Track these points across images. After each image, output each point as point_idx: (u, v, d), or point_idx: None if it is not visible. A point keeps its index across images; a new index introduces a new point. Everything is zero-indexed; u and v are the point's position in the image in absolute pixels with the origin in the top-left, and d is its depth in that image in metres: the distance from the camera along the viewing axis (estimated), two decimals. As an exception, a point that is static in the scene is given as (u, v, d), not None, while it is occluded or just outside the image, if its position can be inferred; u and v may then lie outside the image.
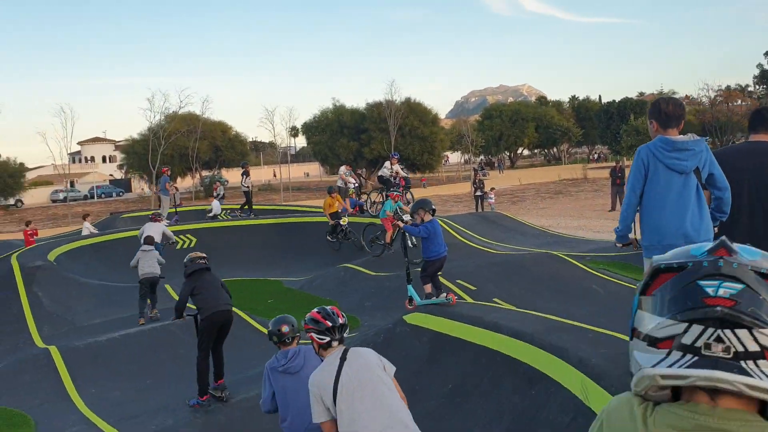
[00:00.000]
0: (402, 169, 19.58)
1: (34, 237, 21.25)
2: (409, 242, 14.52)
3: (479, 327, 7.01)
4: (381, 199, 20.23)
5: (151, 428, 6.80)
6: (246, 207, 23.53)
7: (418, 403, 6.62)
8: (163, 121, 45.88)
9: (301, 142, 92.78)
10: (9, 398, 9.06)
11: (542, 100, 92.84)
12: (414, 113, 54.97)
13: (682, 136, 4.63)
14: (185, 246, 18.95)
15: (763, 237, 4.41)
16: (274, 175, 64.32)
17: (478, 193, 28.10)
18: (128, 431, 6.85)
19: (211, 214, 24.27)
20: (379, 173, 19.52)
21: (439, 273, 10.00)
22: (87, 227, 21.36)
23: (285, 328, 5.48)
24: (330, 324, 4.34)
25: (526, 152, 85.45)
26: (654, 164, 4.60)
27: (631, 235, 4.95)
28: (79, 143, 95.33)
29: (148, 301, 12.26)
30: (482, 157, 73.33)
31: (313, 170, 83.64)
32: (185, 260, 8.53)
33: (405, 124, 53.19)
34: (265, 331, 11.02)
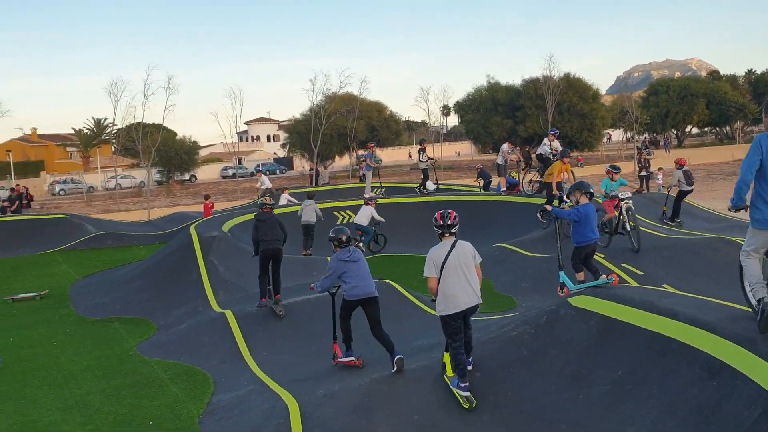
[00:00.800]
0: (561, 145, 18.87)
1: (212, 209, 23.11)
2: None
3: (651, 312, 6.64)
4: (538, 178, 19.65)
5: (319, 393, 7.11)
6: (424, 185, 23.13)
7: (586, 388, 6.41)
8: (323, 102, 47.52)
9: (453, 120, 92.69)
10: (190, 357, 9.88)
11: (714, 74, 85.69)
12: (573, 89, 52.92)
13: None
14: (344, 221, 19.59)
15: None
16: (410, 156, 64.83)
17: (644, 173, 26.59)
18: (298, 394, 7.19)
19: (263, 187, 25.19)
20: (538, 151, 18.91)
21: (599, 255, 9.60)
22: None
23: (344, 237, 8.26)
24: (442, 223, 7.09)
25: (695, 130, 79.66)
26: None
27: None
28: (246, 123, 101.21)
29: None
30: (646, 135, 69.23)
31: (465, 149, 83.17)
32: (258, 201, 12.23)
33: (563, 101, 51.33)
34: (420, 304, 11.20)
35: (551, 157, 17.94)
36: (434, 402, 6.91)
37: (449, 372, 6.98)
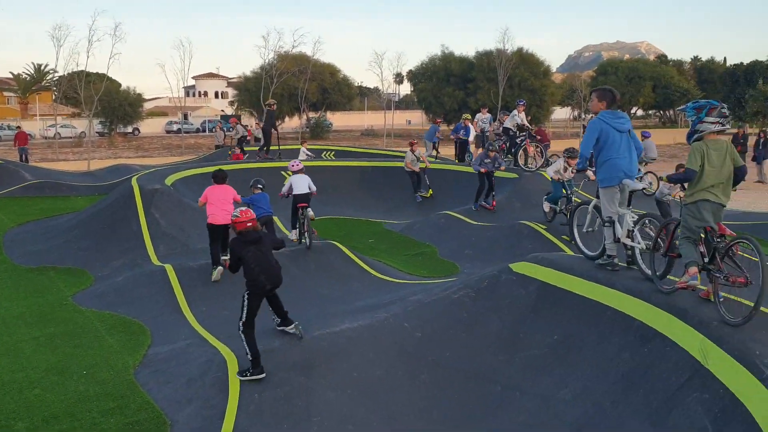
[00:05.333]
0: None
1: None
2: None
3: (590, 281, 6.82)
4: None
5: (258, 348, 7.06)
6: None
7: (522, 351, 6.57)
8: (275, 60, 46.56)
9: (405, 89, 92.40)
10: (127, 308, 9.68)
11: (662, 58, 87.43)
12: (525, 64, 53.29)
13: None
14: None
15: None
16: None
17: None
18: (237, 349, 7.12)
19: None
20: (506, 124, 18.59)
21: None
22: (303, 152, 22.97)
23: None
24: None
25: (640, 112, 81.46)
26: None
27: None
28: (194, 78, 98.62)
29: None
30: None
31: (415, 118, 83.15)
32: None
33: (514, 75, 51.68)
34: (365, 266, 11.24)
35: (512, 130, 17.96)
36: (373, 359, 6.96)
37: None
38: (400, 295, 8.91)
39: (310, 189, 12.18)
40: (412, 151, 18.62)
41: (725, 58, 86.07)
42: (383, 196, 19.67)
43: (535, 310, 7.05)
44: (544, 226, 12.99)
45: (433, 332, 7.19)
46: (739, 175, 5.76)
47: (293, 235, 12.30)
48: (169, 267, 10.66)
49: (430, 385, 6.45)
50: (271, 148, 22.33)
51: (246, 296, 7.04)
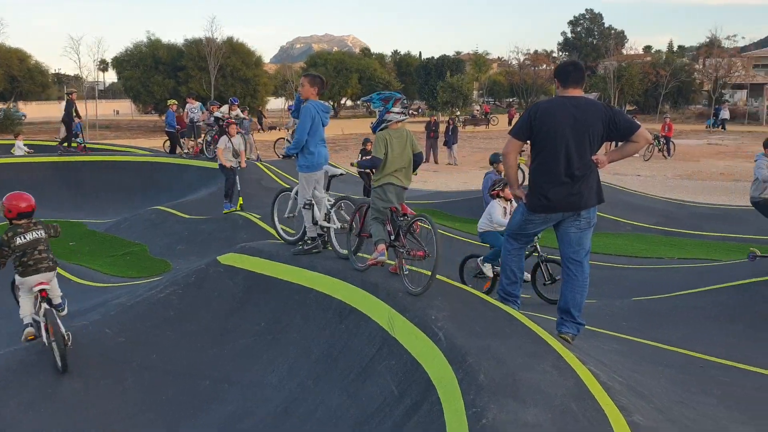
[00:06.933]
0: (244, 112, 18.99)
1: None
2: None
3: (294, 266, 7.05)
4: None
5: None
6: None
7: (231, 342, 6.58)
8: (-54, 43, 40.34)
9: (111, 77, 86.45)
10: None
11: (366, 51, 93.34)
12: (236, 54, 53.13)
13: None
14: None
15: (578, 173, 5.22)
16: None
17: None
18: None
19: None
20: (215, 114, 18.58)
21: None
22: (19, 146, 20.76)
23: None
24: None
25: (349, 103, 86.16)
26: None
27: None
28: None
29: None
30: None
31: (124, 108, 78.20)
32: None
33: (226, 65, 51.29)
34: (64, 273, 10.30)
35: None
36: (71, 371, 6.42)
37: None
38: (102, 300, 8.35)
39: None
40: (230, 136, 13.73)
41: (420, 53, 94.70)
42: (86, 194, 18.26)
43: (243, 300, 7.09)
44: (258, 216, 13.12)
45: (138, 335, 6.85)
46: (417, 160, 6.36)
47: None
48: None
49: (137, 390, 6.15)
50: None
51: None
